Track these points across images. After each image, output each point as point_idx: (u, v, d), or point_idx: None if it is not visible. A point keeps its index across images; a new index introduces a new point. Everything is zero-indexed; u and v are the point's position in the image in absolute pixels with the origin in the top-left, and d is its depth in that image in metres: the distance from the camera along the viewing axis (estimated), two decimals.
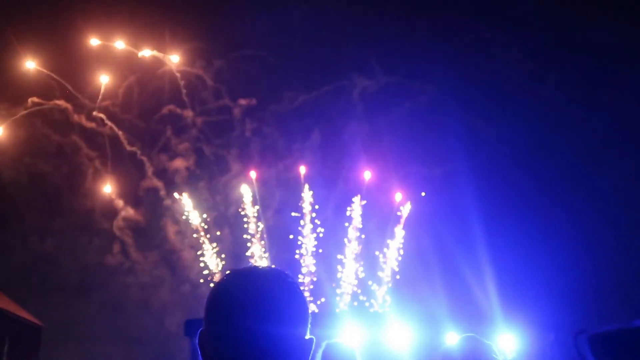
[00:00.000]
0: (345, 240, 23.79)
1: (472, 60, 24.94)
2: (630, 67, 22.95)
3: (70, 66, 21.98)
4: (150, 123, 22.98)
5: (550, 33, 24.38)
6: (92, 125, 22.23)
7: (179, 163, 23.09)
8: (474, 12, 25.39)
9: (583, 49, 23.70)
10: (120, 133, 22.44)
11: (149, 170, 22.73)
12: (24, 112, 21.67)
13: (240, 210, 23.43)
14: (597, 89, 23.65)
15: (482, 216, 22.25)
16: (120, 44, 22.15)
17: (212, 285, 1.92)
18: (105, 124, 22.27)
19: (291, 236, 23.65)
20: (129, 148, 22.49)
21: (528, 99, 25.09)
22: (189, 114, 23.12)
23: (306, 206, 23.57)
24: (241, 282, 1.87)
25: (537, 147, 25.12)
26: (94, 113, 22.15)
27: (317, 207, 23.61)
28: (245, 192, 23.54)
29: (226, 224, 23.54)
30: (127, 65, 22.58)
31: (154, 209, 22.80)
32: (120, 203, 22.49)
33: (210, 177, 23.50)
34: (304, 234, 23.25)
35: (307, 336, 1.87)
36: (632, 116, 23.03)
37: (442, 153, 24.89)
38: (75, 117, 22.09)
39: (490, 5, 24.88)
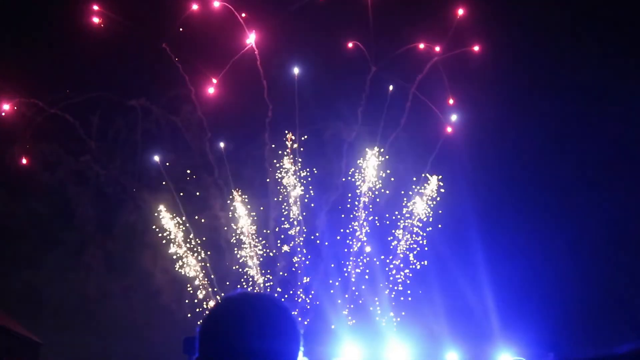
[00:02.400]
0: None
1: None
2: None
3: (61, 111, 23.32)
4: (136, 164, 24.29)
5: (563, 35, 23.42)
6: (79, 167, 23.63)
7: (160, 197, 23.94)
8: None
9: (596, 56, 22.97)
10: (104, 173, 23.79)
11: (131, 205, 23.97)
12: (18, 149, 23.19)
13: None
14: (612, 93, 22.70)
15: (483, 234, 22.19)
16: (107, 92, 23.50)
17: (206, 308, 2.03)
18: (92, 167, 23.75)
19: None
20: (109, 190, 23.92)
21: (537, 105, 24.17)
22: (172, 156, 24.11)
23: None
24: (235, 307, 1.95)
25: (541, 162, 24.36)
26: (81, 159, 23.56)
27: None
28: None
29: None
30: (114, 110, 23.86)
31: (135, 240, 23.87)
32: (102, 236, 23.79)
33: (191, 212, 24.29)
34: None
35: (300, 358, 1.96)
36: None
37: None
38: (66, 158, 23.47)
39: None
